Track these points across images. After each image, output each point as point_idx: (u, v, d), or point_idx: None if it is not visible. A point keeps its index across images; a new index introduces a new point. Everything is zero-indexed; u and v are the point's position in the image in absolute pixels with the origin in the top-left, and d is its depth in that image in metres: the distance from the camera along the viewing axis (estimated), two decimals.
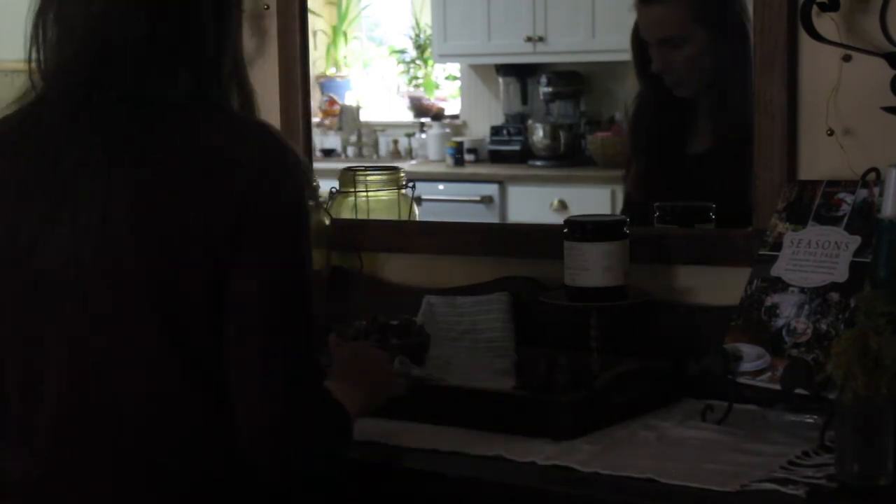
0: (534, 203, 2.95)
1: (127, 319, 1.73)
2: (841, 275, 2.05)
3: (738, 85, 2.58)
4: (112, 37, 1.76)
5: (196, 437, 1.74)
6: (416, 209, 2.76)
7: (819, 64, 2.19)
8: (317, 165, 2.82)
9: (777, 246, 2.14)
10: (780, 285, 2.10)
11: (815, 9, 2.14)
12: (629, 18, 2.72)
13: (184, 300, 1.72)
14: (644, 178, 2.73)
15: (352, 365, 2.02)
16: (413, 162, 2.96)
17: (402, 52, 4.05)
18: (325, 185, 2.68)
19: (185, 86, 1.79)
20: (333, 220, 2.61)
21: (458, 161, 3.65)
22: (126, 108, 1.77)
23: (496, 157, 3.59)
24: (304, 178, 1.82)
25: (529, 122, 3.58)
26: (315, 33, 3.68)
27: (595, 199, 3.33)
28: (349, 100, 3.91)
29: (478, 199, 3.32)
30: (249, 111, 1.85)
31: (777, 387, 2.01)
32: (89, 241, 1.73)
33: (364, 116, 3.90)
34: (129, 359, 1.73)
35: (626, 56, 2.76)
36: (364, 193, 2.72)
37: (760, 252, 2.16)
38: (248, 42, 2.78)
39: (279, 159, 1.77)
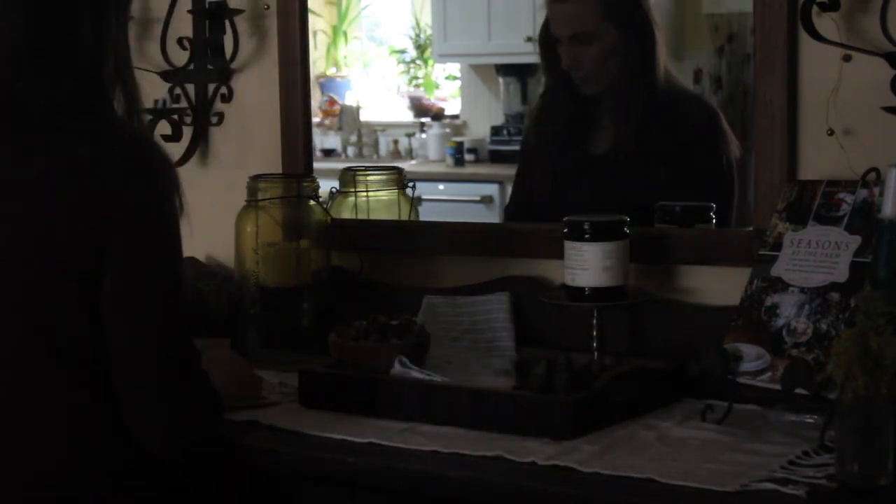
0: None
1: None
2: (841, 275, 2.05)
3: (642, 86, 2.59)
4: None
5: (77, 421, 1.88)
6: (416, 209, 2.76)
7: (819, 64, 2.19)
8: (317, 165, 2.82)
9: (777, 246, 2.14)
10: (780, 285, 2.10)
11: (815, 9, 2.14)
12: None
13: (51, 298, 1.84)
14: (547, 175, 2.73)
15: (207, 365, 2.13)
16: (413, 162, 2.95)
17: (402, 52, 4.04)
18: (325, 185, 2.68)
19: (65, 88, 1.87)
20: (333, 220, 2.61)
21: (458, 161, 3.64)
22: (3, 108, 1.87)
23: (496, 157, 3.58)
24: (170, 183, 1.90)
25: None
26: (315, 33, 3.67)
27: None
28: (349, 100, 3.90)
29: (478, 199, 3.32)
30: (133, 112, 1.94)
31: (777, 387, 2.01)
32: None
33: (364, 116, 3.89)
34: None
35: None
36: (364, 193, 2.72)
37: (760, 252, 2.16)
38: (248, 42, 2.78)
39: (143, 166, 1.87)
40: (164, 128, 2.79)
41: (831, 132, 2.18)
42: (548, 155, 2.75)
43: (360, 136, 3.87)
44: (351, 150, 3.87)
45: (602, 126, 2.65)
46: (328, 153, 3.84)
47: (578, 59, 2.63)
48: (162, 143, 1.94)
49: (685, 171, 2.55)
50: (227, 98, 2.81)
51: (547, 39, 2.69)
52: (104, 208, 1.83)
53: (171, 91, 2.84)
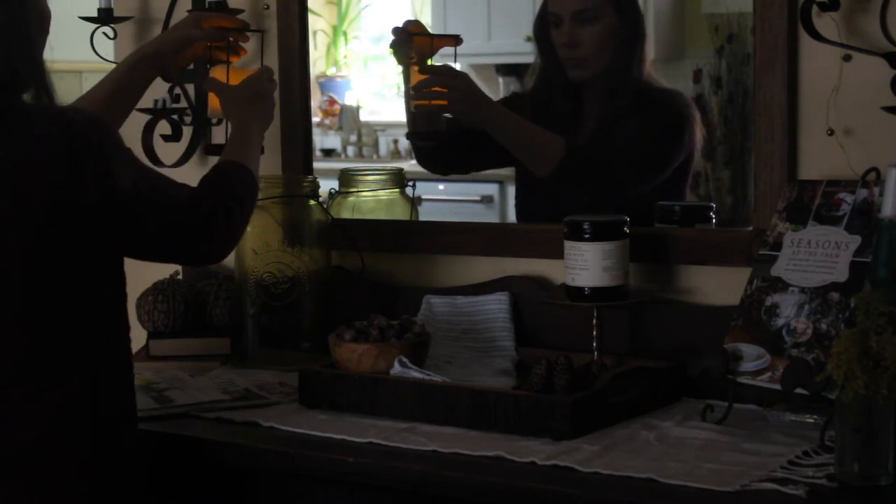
0: None
1: None
2: (841, 274, 2.05)
3: (626, 79, 2.58)
4: None
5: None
6: (416, 209, 2.76)
7: (819, 64, 2.19)
8: (317, 165, 2.82)
9: (777, 246, 2.14)
10: (780, 285, 2.10)
11: (815, 9, 2.14)
12: None
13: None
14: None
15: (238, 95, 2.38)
16: (413, 162, 2.95)
17: None
18: (325, 185, 2.68)
19: None
20: (333, 220, 2.61)
21: None
22: None
23: None
24: (111, 147, 1.95)
25: None
26: (315, 33, 3.67)
27: None
28: (349, 100, 3.90)
29: (478, 199, 3.31)
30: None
31: (777, 387, 2.01)
32: None
33: (364, 116, 3.89)
34: None
35: None
36: (364, 193, 2.72)
37: (760, 252, 2.16)
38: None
39: (80, 150, 1.89)
40: (164, 128, 2.78)
41: (831, 132, 2.18)
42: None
43: (360, 136, 3.87)
44: (351, 150, 3.87)
45: (585, 116, 2.64)
46: (328, 153, 3.84)
47: (577, 37, 2.61)
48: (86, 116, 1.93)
49: (662, 166, 2.55)
50: None
51: (543, 24, 2.67)
52: (52, 195, 1.87)
53: (170, 91, 2.83)
